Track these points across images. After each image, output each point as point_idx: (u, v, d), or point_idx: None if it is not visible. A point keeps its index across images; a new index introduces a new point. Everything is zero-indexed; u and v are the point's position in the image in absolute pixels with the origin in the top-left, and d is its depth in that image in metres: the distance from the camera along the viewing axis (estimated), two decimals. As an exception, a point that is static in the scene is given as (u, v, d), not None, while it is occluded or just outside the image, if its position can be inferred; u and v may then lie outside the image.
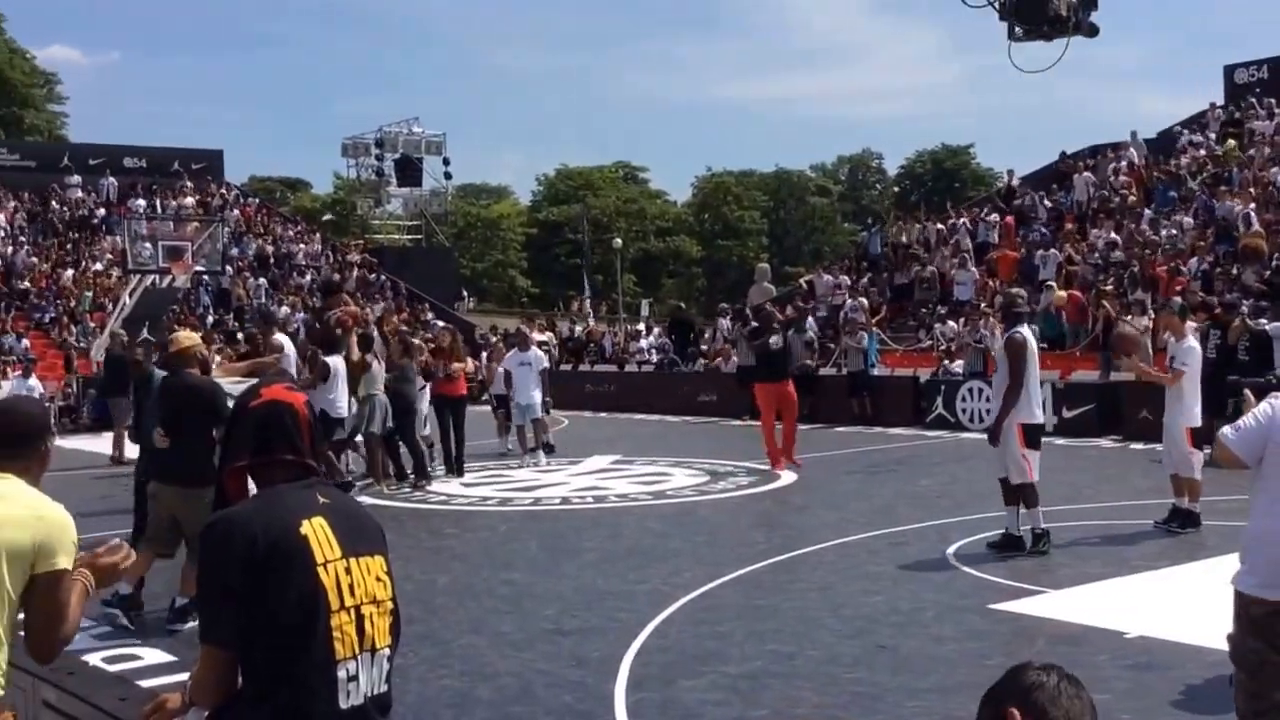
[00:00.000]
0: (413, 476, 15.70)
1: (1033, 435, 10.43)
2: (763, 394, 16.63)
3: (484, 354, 25.25)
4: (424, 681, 7.02)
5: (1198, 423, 11.15)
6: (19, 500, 3.52)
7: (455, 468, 16.49)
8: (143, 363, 10.00)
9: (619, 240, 60.47)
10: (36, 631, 3.52)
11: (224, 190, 45.62)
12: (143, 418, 10.73)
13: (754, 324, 18.15)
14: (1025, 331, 10.60)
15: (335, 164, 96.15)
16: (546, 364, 18.62)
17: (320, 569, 2.96)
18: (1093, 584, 9.11)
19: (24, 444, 3.68)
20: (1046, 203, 31.23)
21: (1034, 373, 10.50)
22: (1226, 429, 4.79)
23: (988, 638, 7.77)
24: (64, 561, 3.50)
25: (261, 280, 38.57)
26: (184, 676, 6.72)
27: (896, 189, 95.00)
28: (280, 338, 15.18)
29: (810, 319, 27.10)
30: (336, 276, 36.06)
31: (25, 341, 31.98)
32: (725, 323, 30.82)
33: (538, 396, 17.69)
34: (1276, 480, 4.60)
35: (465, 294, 53.81)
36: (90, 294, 35.63)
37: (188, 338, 9.44)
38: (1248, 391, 5.67)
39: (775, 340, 16.29)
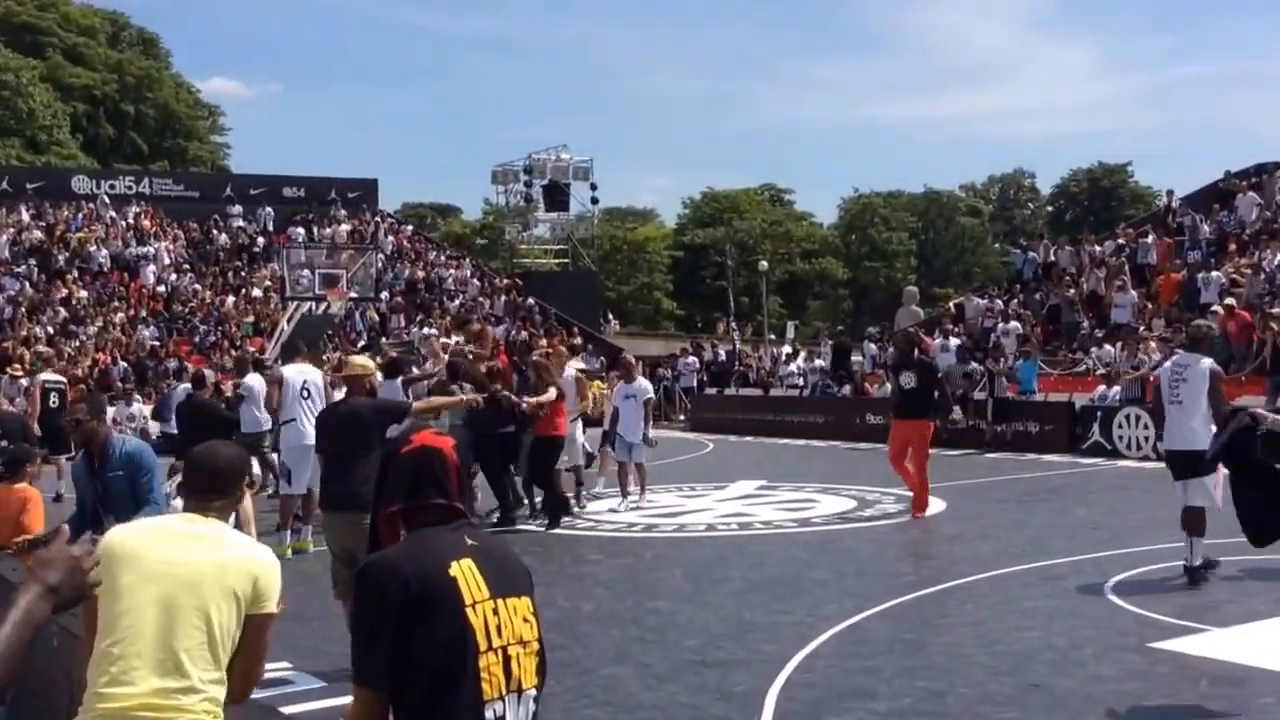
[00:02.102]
0: (499, 514, 14.58)
1: (1168, 463, 10.41)
2: (893, 431, 15.33)
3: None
4: (567, 711, 7.00)
5: None
6: (237, 545, 3.71)
7: (545, 512, 14.68)
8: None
9: (765, 263, 60.21)
10: (240, 673, 3.64)
11: (378, 218, 46.69)
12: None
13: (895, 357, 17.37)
14: (1169, 360, 10.42)
15: (485, 190, 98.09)
16: (652, 395, 17.13)
17: (469, 610, 2.99)
18: (1259, 622, 8.73)
19: (227, 488, 3.88)
20: (1207, 224, 30.22)
21: (1166, 400, 10.35)
22: None
23: (1148, 678, 7.48)
24: (273, 606, 3.66)
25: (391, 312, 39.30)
26: (333, 702, 6.82)
27: (1050, 208, 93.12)
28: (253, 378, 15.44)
29: (951, 338, 26.73)
30: (474, 323, 36.48)
31: (187, 365, 33.09)
32: (873, 347, 30.48)
33: (640, 435, 16.05)
34: None
35: (610, 316, 54.20)
36: (250, 319, 36.77)
37: (361, 365, 9.12)
38: None
39: (906, 378, 14.97)
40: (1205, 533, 10.07)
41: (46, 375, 20.04)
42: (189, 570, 3.55)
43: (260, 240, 42.73)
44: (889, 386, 24.96)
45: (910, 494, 15.06)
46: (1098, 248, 31.72)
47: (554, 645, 3.24)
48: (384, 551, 3.10)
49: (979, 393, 23.70)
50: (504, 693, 3.00)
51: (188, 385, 17.33)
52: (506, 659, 3.02)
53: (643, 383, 16.83)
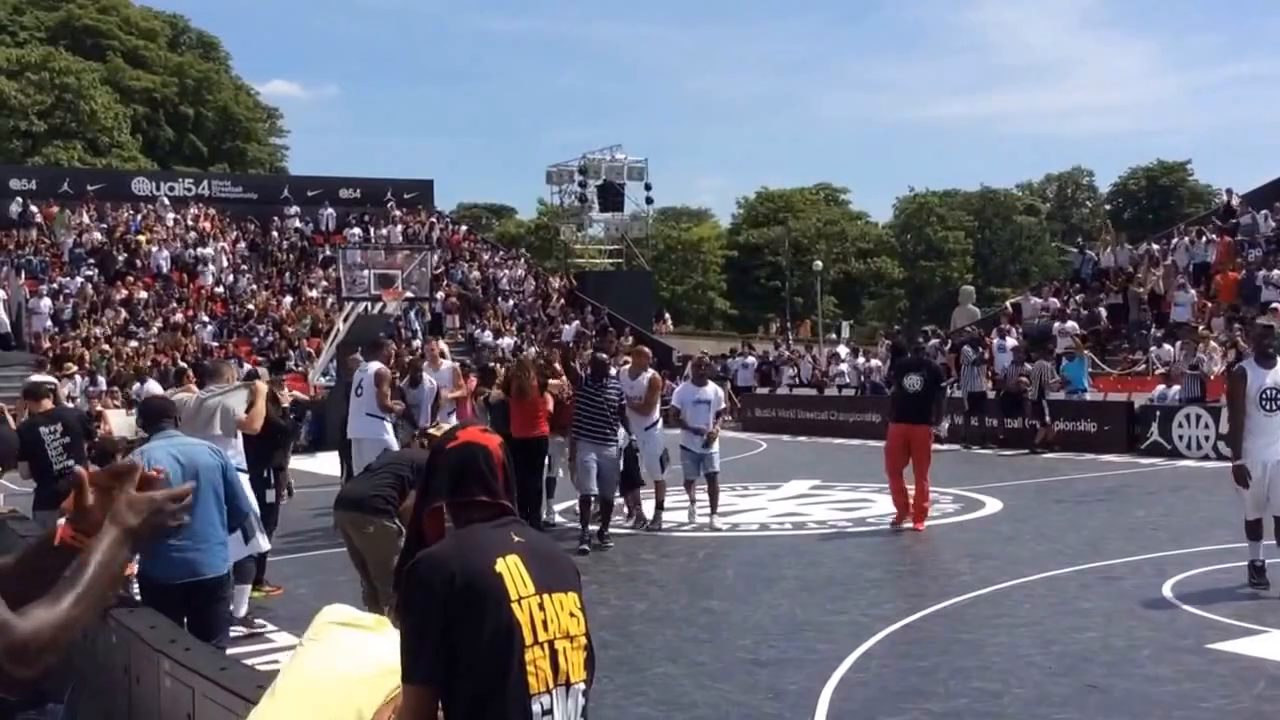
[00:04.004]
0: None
1: None
2: (893, 434, 14.41)
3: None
4: (620, 709, 7.02)
5: None
6: (382, 640, 4.03)
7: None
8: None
9: (819, 263, 59.96)
10: None
11: (433, 218, 46.93)
12: None
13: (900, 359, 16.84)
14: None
15: (540, 190, 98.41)
16: (725, 403, 16.15)
17: (514, 605, 3.00)
18: (1321, 624, 8.61)
19: None
20: (1270, 221, 29.79)
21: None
22: None
23: (1205, 679, 7.39)
24: None
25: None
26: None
27: (1108, 206, 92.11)
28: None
29: (1008, 338, 26.53)
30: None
31: (245, 365, 33.38)
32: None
33: (716, 446, 14.60)
34: None
35: (665, 315, 54.22)
36: (307, 320, 37.05)
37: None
38: None
39: (912, 380, 14.13)
40: (1260, 536, 9.96)
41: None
42: (337, 672, 3.96)
43: (319, 241, 43.04)
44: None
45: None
46: (1155, 246, 31.39)
47: (607, 644, 3.26)
48: (431, 548, 3.12)
49: (1031, 393, 23.52)
50: (551, 686, 3.02)
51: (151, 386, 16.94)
52: (553, 653, 3.03)
53: (716, 387, 15.32)
